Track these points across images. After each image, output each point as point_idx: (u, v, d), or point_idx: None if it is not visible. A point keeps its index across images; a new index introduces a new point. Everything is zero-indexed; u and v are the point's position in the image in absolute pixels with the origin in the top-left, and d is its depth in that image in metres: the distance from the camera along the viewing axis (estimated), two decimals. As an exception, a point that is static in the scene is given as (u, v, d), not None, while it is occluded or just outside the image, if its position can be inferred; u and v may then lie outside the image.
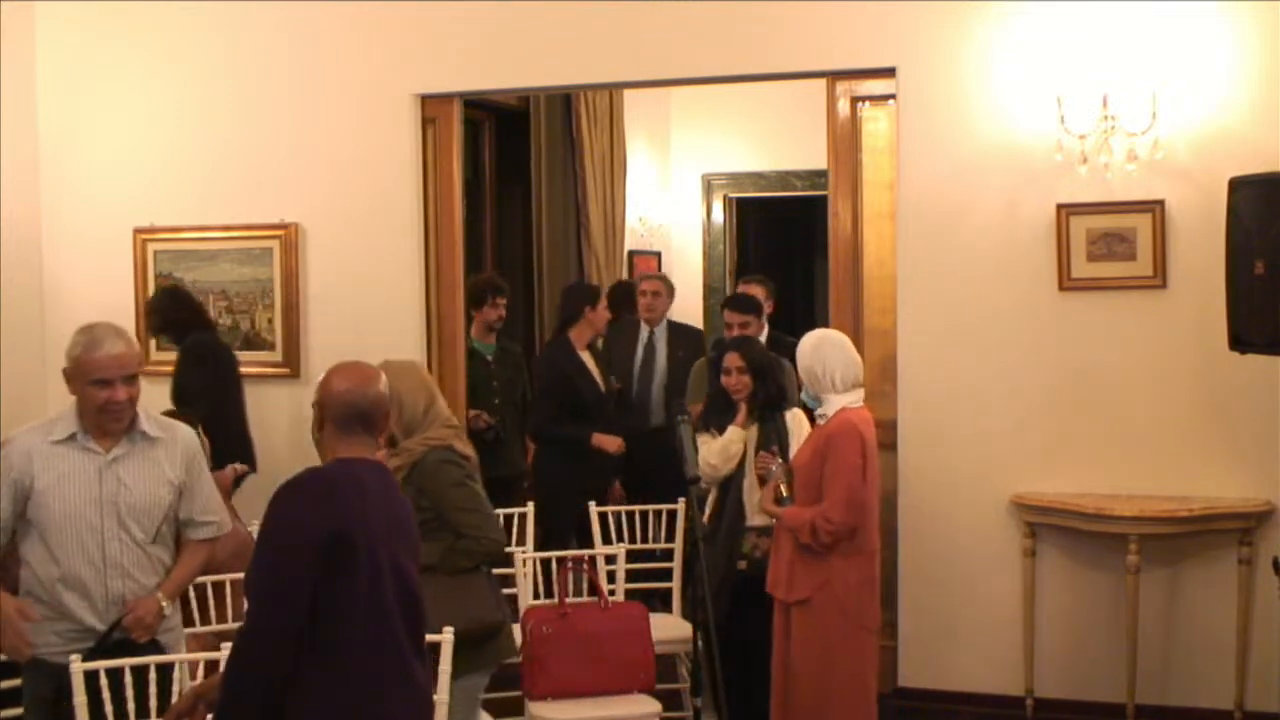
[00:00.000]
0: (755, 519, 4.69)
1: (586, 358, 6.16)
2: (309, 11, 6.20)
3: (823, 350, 4.32)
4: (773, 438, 4.75)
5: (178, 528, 3.69)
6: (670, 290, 7.00)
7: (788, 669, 4.30)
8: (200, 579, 4.28)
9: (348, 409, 2.92)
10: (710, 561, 4.38)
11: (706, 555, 4.10)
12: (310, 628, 2.72)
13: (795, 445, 4.69)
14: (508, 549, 5.35)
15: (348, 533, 2.75)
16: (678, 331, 6.97)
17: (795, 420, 4.84)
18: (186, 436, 3.71)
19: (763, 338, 5.69)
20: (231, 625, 4.14)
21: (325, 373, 3.02)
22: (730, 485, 4.78)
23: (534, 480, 6.39)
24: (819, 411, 4.35)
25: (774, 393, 4.84)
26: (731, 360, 4.90)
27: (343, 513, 2.78)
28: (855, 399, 4.31)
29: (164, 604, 3.60)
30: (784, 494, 4.37)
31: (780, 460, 4.53)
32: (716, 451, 4.75)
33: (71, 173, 6.55)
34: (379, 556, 2.81)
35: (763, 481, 4.56)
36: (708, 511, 4.83)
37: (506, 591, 5.19)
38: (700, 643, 3.91)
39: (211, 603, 4.29)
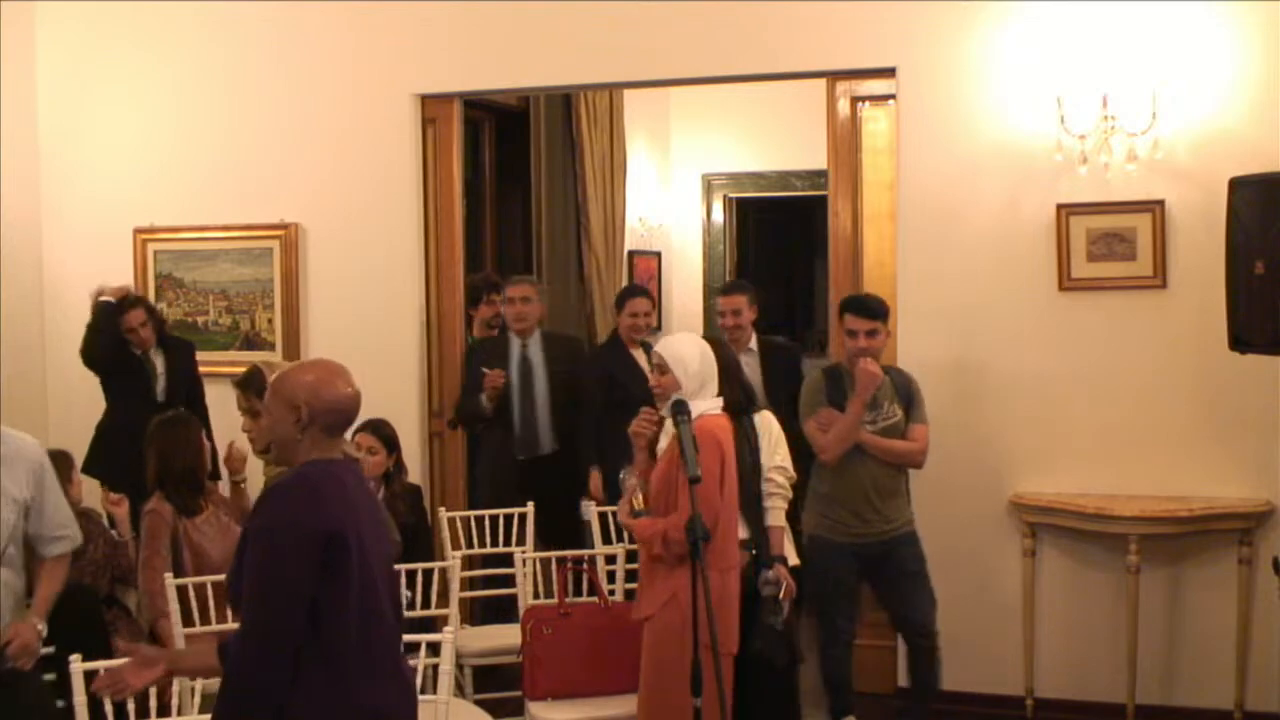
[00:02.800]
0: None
1: (639, 356, 5.95)
2: (309, 11, 6.20)
3: (708, 357, 4.10)
4: (742, 445, 4.37)
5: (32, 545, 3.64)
6: (542, 293, 6.22)
7: (644, 693, 4.02)
8: (200, 579, 4.29)
9: (339, 414, 2.91)
10: None
11: None
12: (309, 627, 2.74)
13: (766, 452, 4.40)
14: (508, 549, 5.38)
15: (341, 532, 2.77)
16: (554, 342, 6.15)
17: (764, 423, 4.51)
18: (30, 452, 3.62)
19: (752, 344, 5.69)
20: (231, 625, 4.13)
21: (290, 372, 2.95)
22: None
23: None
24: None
25: (739, 396, 4.48)
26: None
27: (335, 512, 2.79)
28: (716, 406, 4.11)
29: (40, 627, 3.60)
30: (637, 506, 4.11)
31: (635, 472, 4.22)
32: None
33: (71, 172, 6.55)
34: (368, 554, 2.83)
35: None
36: None
37: (507, 591, 5.23)
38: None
39: (211, 603, 4.28)
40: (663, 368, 4.08)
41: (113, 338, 5.79)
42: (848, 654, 4.97)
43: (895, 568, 4.87)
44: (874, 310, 4.84)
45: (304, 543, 2.74)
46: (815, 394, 4.90)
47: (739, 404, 4.43)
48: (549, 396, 5.98)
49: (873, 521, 4.83)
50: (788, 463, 4.49)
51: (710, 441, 3.94)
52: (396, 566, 4.65)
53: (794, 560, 4.45)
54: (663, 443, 4.25)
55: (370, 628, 2.83)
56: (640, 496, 4.09)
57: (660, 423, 4.15)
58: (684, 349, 4.09)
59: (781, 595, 4.26)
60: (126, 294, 5.87)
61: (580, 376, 6.03)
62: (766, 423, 4.49)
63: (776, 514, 4.40)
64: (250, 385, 4.92)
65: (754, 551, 4.31)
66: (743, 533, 4.31)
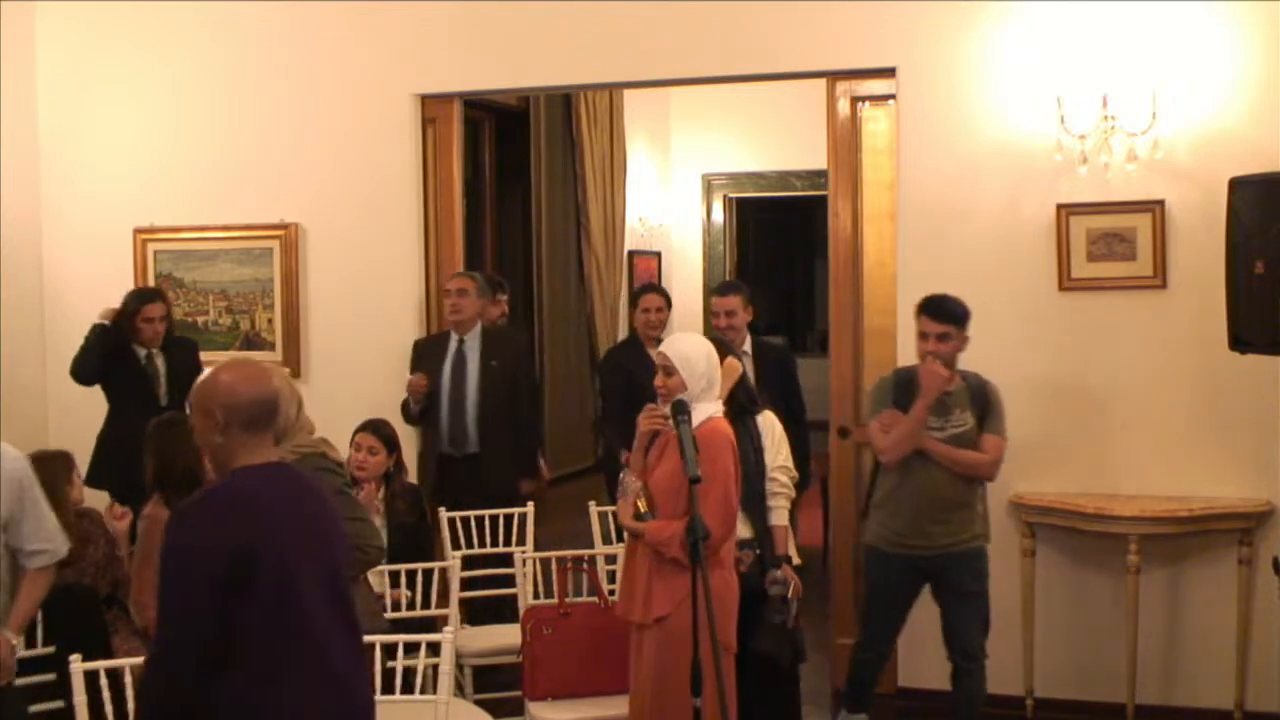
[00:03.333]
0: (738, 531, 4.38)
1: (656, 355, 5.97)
2: (309, 12, 6.20)
3: (714, 358, 4.02)
4: (745, 445, 4.35)
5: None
6: (481, 290, 5.98)
7: (651, 695, 3.94)
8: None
9: (253, 411, 2.80)
10: None
11: None
12: (222, 645, 2.66)
13: (770, 452, 4.43)
14: (508, 549, 5.39)
15: (248, 548, 2.67)
16: (493, 339, 5.99)
17: (767, 423, 4.51)
18: (11, 464, 3.59)
19: (746, 346, 5.60)
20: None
21: (204, 379, 2.87)
22: None
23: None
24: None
25: (742, 396, 4.48)
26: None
27: (241, 529, 2.69)
28: (720, 409, 4.03)
29: (14, 641, 3.59)
30: (642, 509, 3.96)
31: (634, 475, 4.10)
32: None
33: (71, 172, 6.55)
34: (291, 567, 2.72)
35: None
36: None
37: (507, 591, 5.23)
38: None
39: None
40: (669, 369, 3.97)
41: (103, 359, 5.82)
42: (880, 662, 4.91)
43: (952, 584, 4.69)
44: (948, 313, 4.61)
45: (206, 563, 2.65)
46: (882, 395, 4.74)
47: (743, 404, 4.44)
48: (479, 395, 5.85)
49: (933, 534, 4.63)
50: (790, 462, 4.51)
51: (722, 442, 3.91)
52: (396, 567, 4.72)
53: (796, 559, 4.47)
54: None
55: (291, 642, 2.73)
56: (644, 499, 3.99)
57: (667, 419, 4.05)
58: (690, 349, 4.01)
59: (790, 594, 4.27)
60: (122, 314, 5.88)
61: (520, 375, 5.96)
62: (769, 423, 4.50)
63: (780, 513, 4.43)
64: None
65: (758, 551, 4.33)
66: (746, 532, 4.33)
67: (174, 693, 2.68)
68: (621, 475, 4.18)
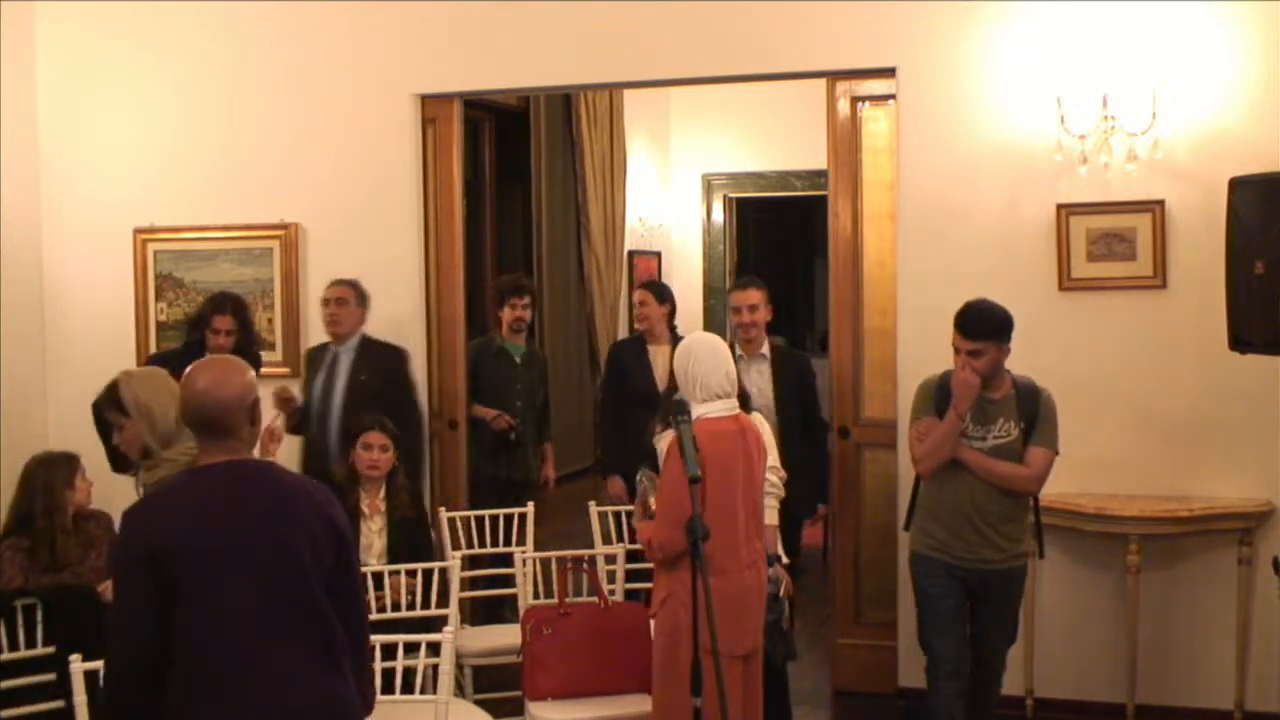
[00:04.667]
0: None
1: (656, 354, 5.93)
2: (309, 11, 6.20)
3: (692, 352, 3.96)
4: None
5: None
6: (361, 298, 5.72)
7: (653, 690, 3.98)
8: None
9: (203, 410, 2.81)
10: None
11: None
12: (167, 646, 2.67)
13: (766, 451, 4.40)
14: (508, 549, 5.38)
15: (167, 549, 2.66)
16: (368, 351, 5.69)
17: (756, 423, 4.36)
18: None
19: (764, 349, 5.50)
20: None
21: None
22: None
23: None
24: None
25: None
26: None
27: (160, 530, 2.69)
28: (716, 409, 3.93)
29: None
30: (653, 508, 3.96)
31: (649, 472, 4.12)
32: None
33: (71, 172, 6.55)
34: (220, 568, 2.69)
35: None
36: None
37: (507, 591, 5.23)
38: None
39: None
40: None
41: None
42: (952, 685, 4.40)
43: (991, 597, 4.49)
44: (981, 332, 4.33)
45: (130, 564, 2.67)
46: (923, 401, 4.51)
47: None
48: (343, 410, 5.52)
49: (974, 545, 4.40)
50: (778, 462, 4.52)
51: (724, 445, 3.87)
52: (395, 566, 4.72)
53: (785, 559, 4.46)
54: (661, 446, 4.25)
55: (222, 646, 2.69)
56: (654, 499, 3.98)
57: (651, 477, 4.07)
58: (679, 352, 4.02)
59: (781, 593, 4.27)
60: (199, 317, 5.64)
61: (392, 391, 5.59)
62: (758, 422, 4.43)
63: (771, 513, 4.41)
64: (109, 399, 4.35)
65: None
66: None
67: (123, 698, 2.68)
68: (640, 475, 4.15)
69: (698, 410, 3.90)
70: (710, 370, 3.95)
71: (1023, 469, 4.38)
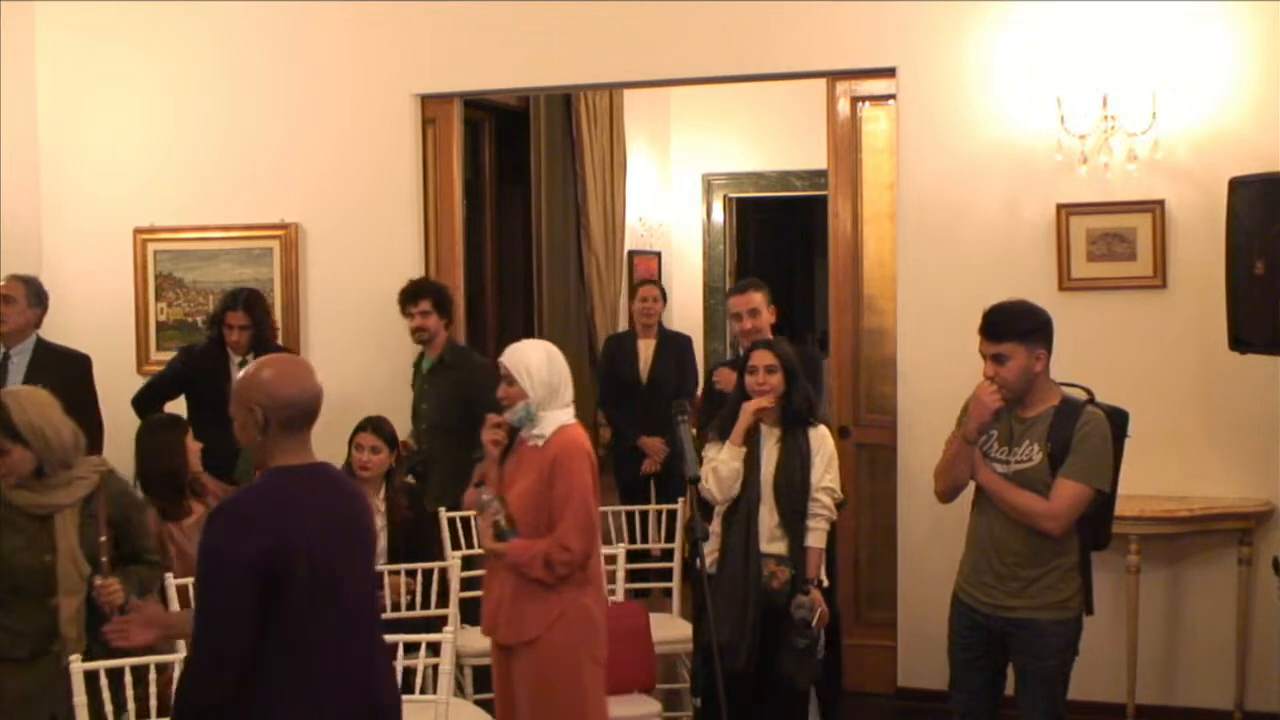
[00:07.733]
0: (769, 545, 4.23)
1: (644, 348, 6.36)
2: (309, 11, 6.20)
3: (557, 362, 3.80)
4: (794, 458, 4.22)
5: None
6: (37, 297, 5.36)
7: (532, 717, 3.81)
8: (184, 580, 4.28)
9: (293, 411, 2.78)
10: (725, 598, 4.12)
11: (717, 593, 3.99)
12: (259, 647, 2.67)
13: (818, 470, 4.24)
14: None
15: (282, 550, 2.66)
16: (44, 356, 5.38)
17: (819, 438, 4.28)
18: None
19: None
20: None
21: (247, 373, 2.86)
22: (734, 513, 4.27)
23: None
24: (534, 431, 3.78)
25: (802, 404, 4.28)
26: (760, 358, 4.26)
27: (277, 530, 2.69)
28: (571, 416, 3.84)
29: None
30: (504, 526, 3.77)
31: (490, 490, 3.88)
32: (711, 479, 4.24)
33: (71, 173, 6.55)
34: (324, 566, 2.72)
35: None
36: (711, 546, 4.29)
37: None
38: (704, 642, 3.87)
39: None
40: (508, 378, 3.77)
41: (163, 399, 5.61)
42: None
43: (1018, 656, 3.83)
44: (1001, 331, 3.78)
45: (238, 567, 2.65)
46: (961, 414, 3.94)
47: (798, 414, 4.29)
48: None
49: (989, 587, 3.81)
50: (836, 484, 4.33)
51: (578, 452, 3.74)
52: (395, 566, 4.72)
53: (826, 582, 4.35)
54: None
55: (326, 640, 2.74)
56: (504, 516, 3.78)
57: (511, 431, 3.87)
58: (528, 357, 3.80)
59: (815, 621, 4.16)
60: (216, 315, 5.66)
61: (72, 401, 5.10)
62: (821, 437, 4.33)
63: (818, 535, 4.29)
64: None
65: (794, 570, 4.23)
66: (784, 548, 4.24)
67: (208, 699, 2.68)
68: (479, 492, 3.88)
69: (559, 416, 3.79)
70: (565, 373, 3.85)
71: (1039, 502, 3.71)
